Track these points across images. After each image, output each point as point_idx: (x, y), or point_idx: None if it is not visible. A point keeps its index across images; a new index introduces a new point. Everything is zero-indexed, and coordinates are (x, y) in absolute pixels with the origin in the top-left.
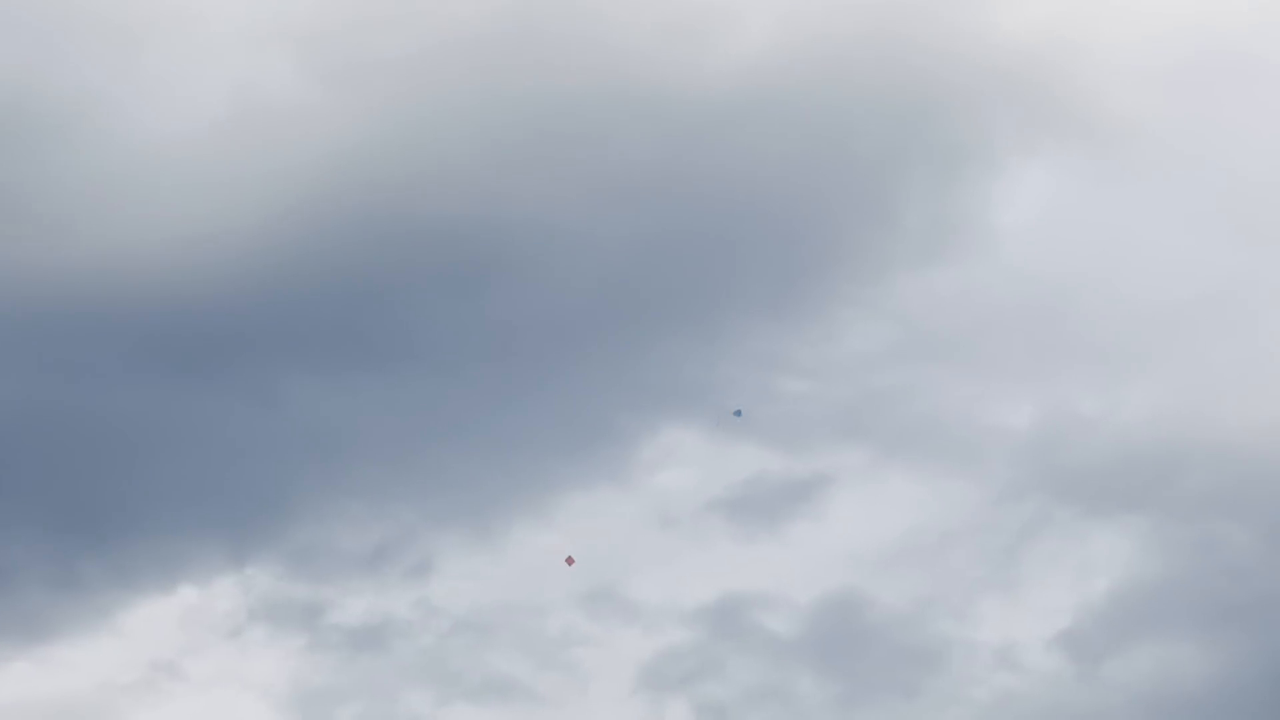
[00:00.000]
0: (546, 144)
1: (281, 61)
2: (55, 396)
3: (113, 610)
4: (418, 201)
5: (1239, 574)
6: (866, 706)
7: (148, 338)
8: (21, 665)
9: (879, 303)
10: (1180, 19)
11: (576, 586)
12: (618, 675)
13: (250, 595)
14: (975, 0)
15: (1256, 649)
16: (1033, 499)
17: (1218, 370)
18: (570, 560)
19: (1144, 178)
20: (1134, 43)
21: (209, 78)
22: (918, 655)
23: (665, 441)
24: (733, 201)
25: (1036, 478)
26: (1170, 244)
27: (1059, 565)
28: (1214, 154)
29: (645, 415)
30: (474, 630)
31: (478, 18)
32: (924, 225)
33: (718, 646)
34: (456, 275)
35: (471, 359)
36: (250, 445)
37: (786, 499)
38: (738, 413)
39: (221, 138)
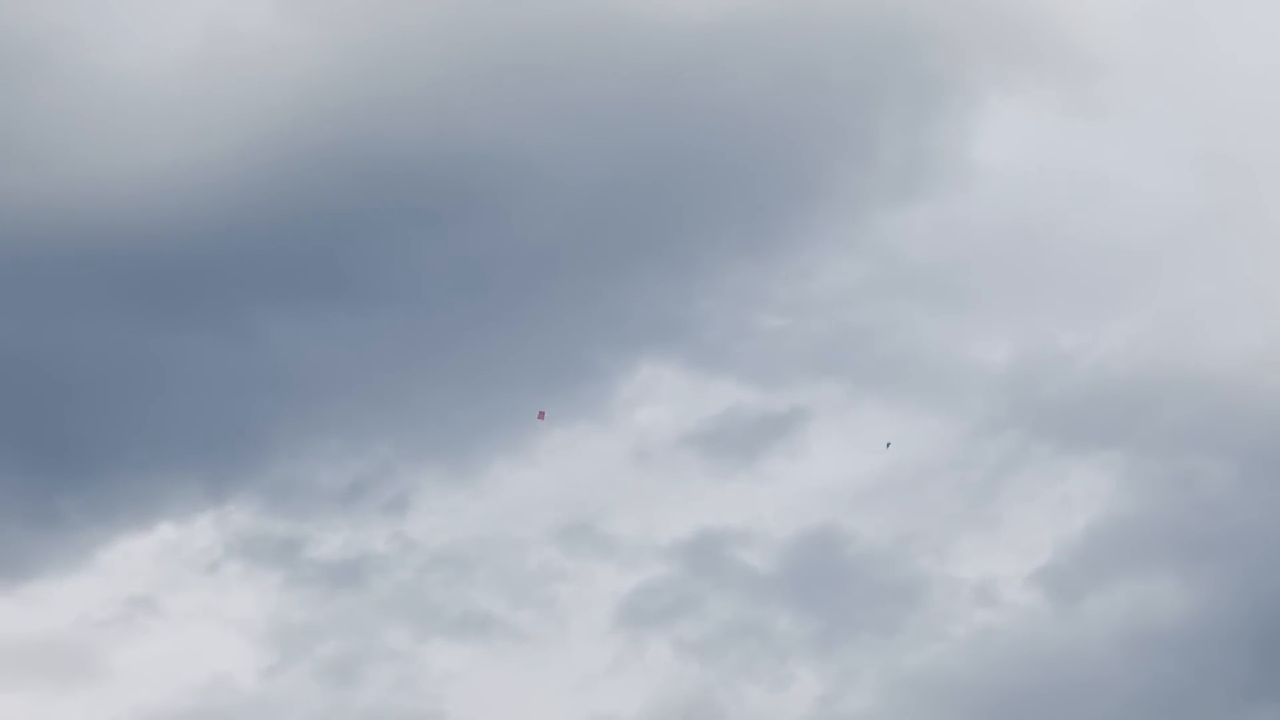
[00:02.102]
0: (520, 78)
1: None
2: (30, 334)
3: (91, 548)
4: (391, 136)
5: (1216, 508)
6: (845, 643)
7: (122, 275)
8: (1, 603)
9: (855, 238)
10: None
11: (555, 522)
12: (596, 611)
13: (227, 531)
14: None
15: (1234, 583)
16: (1010, 435)
17: (1194, 304)
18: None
19: (1121, 113)
20: None
21: (182, 12)
22: (896, 591)
23: (643, 378)
24: (708, 135)
25: (1014, 413)
26: (1146, 179)
27: (1037, 501)
28: (1190, 89)
29: (622, 351)
30: (452, 565)
31: None
32: (901, 160)
33: (696, 583)
34: (431, 209)
35: (447, 293)
36: (226, 382)
37: (764, 435)
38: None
39: (194, 73)
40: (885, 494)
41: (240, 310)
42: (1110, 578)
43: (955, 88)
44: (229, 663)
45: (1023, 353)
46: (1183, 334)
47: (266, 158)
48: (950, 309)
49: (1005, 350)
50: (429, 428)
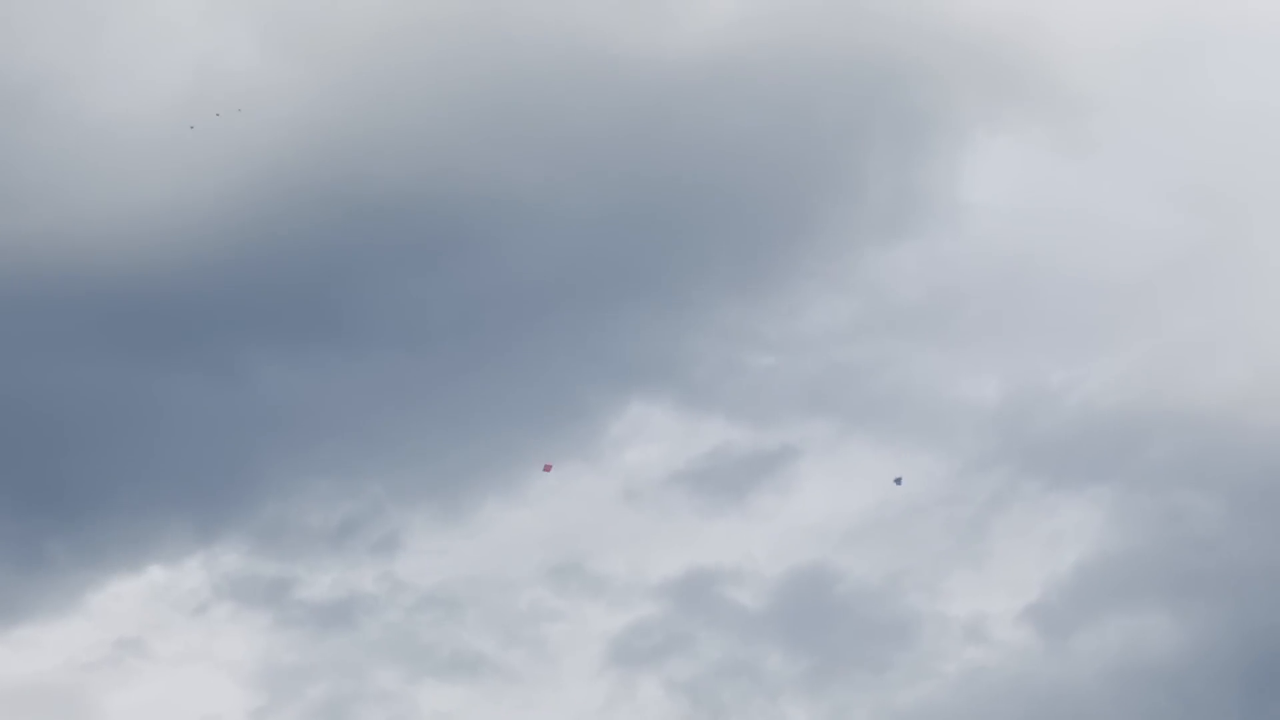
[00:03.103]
0: (511, 117)
1: (243, 37)
2: (19, 376)
3: (80, 590)
4: (381, 176)
5: (1206, 544)
6: (836, 681)
7: (112, 315)
8: None
9: (844, 276)
10: None
11: (545, 561)
12: (586, 651)
13: (216, 573)
14: None
15: (1224, 619)
16: (1000, 471)
17: (1183, 340)
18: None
19: (1108, 150)
20: (1097, 16)
21: (171, 54)
22: (886, 629)
23: (633, 417)
24: (697, 174)
25: (1004, 450)
26: (1134, 215)
27: (1027, 538)
28: (1178, 126)
29: (613, 391)
30: (442, 606)
31: None
32: (889, 198)
33: (687, 621)
34: (421, 249)
35: (437, 333)
36: (215, 423)
37: (754, 473)
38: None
39: (184, 114)
40: (875, 532)
41: (230, 351)
42: (1100, 614)
43: (943, 125)
44: (219, 705)
45: (1012, 389)
46: (1172, 370)
47: (256, 198)
48: (939, 346)
49: (994, 387)
50: (419, 468)
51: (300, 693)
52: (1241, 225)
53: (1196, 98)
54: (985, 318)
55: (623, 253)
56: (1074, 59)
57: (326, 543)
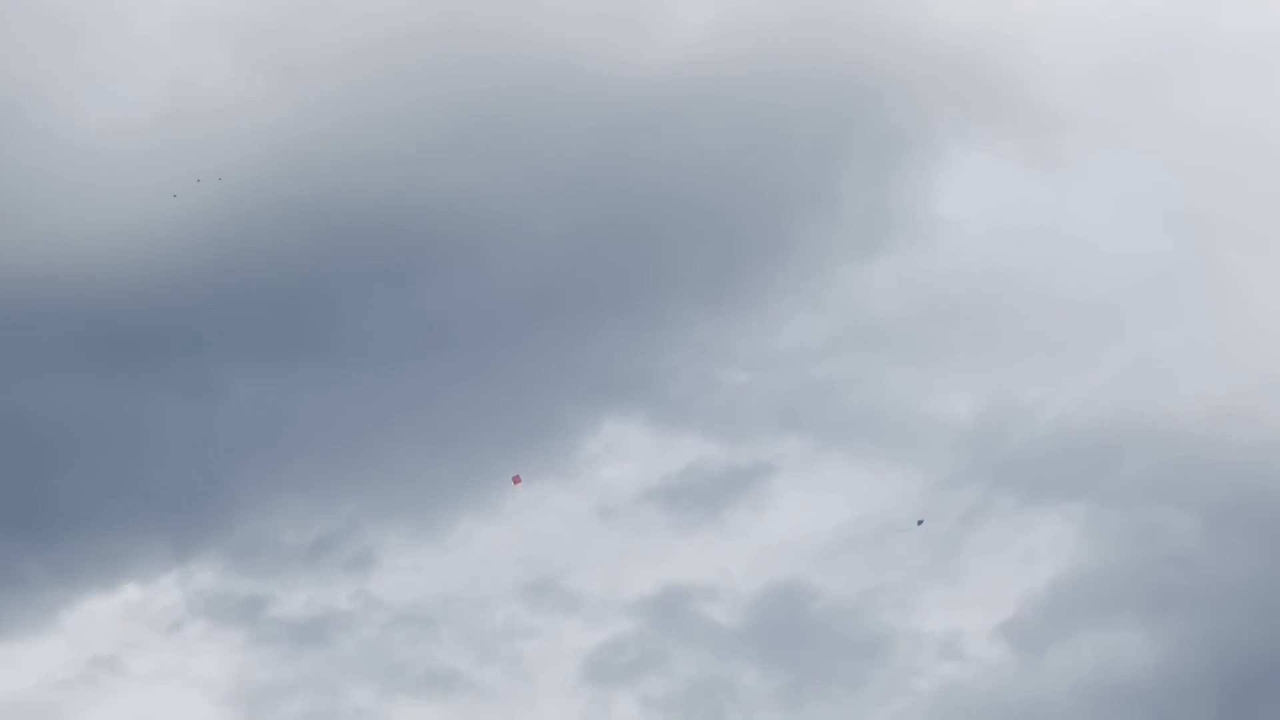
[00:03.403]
0: (484, 135)
1: (217, 55)
2: None
3: (55, 608)
4: (355, 193)
5: (1180, 560)
6: (811, 697)
7: (87, 332)
8: None
9: (818, 293)
10: (1115, 8)
11: (520, 578)
12: (562, 668)
13: (191, 590)
14: None
15: (1198, 634)
16: (974, 488)
17: (1156, 357)
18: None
19: (1080, 167)
20: (1070, 33)
21: (145, 72)
22: (861, 646)
23: (608, 434)
24: (671, 192)
25: (978, 467)
26: (1106, 233)
27: (1001, 554)
28: (1151, 143)
29: (587, 407)
30: (416, 623)
31: (414, 10)
32: (862, 215)
33: (662, 638)
34: (395, 266)
35: (411, 350)
36: (190, 440)
37: (729, 490)
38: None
39: (158, 131)
40: (850, 548)
41: (205, 368)
42: (1075, 630)
43: (916, 143)
44: None
45: (986, 406)
46: (1145, 386)
47: (231, 215)
48: (913, 363)
49: (968, 404)
50: (393, 485)
51: (275, 710)
52: (1214, 242)
53: (1168, 116)
54: (959, 334)
55: (597, 270)
56: (1047, 77)
57: (301, 560)
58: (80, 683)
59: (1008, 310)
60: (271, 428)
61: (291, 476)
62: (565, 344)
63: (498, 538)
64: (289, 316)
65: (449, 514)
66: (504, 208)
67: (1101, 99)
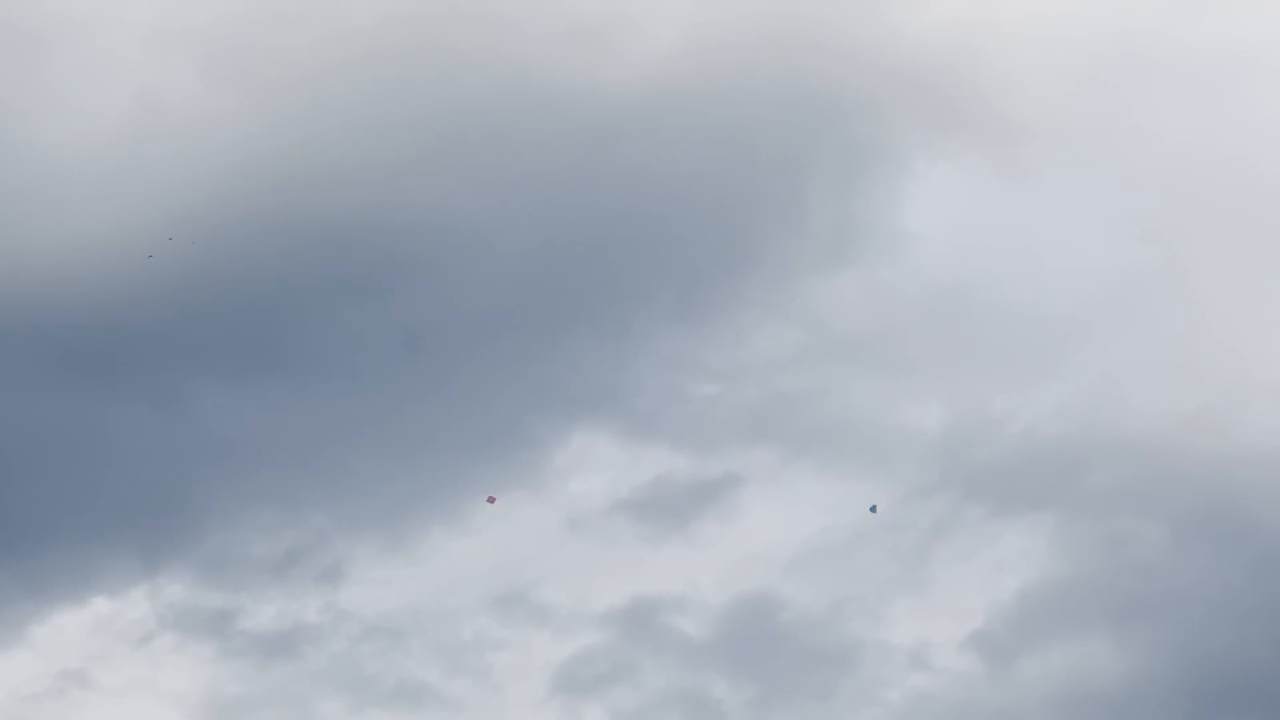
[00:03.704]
0: (452, 147)
1: (184, 68)
2: None
3: (24, 622)
4: (323, 205)
5: (1148, 570)
6: (781, 708)
7: (53, 346)
8: None
9: (787, 305)
10: (1081, 21)
11: (489, 591)
12: (531, 680)
13: (160, 603)
14: (878, 3)
15: (1167, 644)
16: (942, 499)
17: (1123, 368)
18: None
19: (1048, 179)
20: (1036, 46)
21: (111, 85)
22: (830, 657)
23: (576, 447)
24: (639, 204)
25: (946, 478)
26: (1074, 245)
27: (970, 565)
28: (1116, 155)
29: (556, 420)
30: (386, 635)
31: (381, 23)
32: (830, 227)
33: (631, 650)
34: (362, 278)
35: (379, 363)
36: (159, 454)
37: (697, 501)
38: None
39: (124, 143)
40: (819, 559)
41: (172, 381)
42: (1043, 640)
43: (883, 155)
44: None
45: (954, 417)
46: (1112, 398)
47: (198, 227)
48: (881, 374)
49: (937, 415)
50: (362, 497)
51: None
52: (1181, 254)
53: (1135, 128)
54: (927, 346)
55: (565, 282)
56: (1014, 90)
57: (270, 573)
58: (49, 696)
59: (975, 322)
60: (240, 440)
61: (260, 489)
62: (534, 356)
63: (467, 550)
64: (257, 329)
65: (418, 526)
66: (472, 220)
67: (1068, 112)
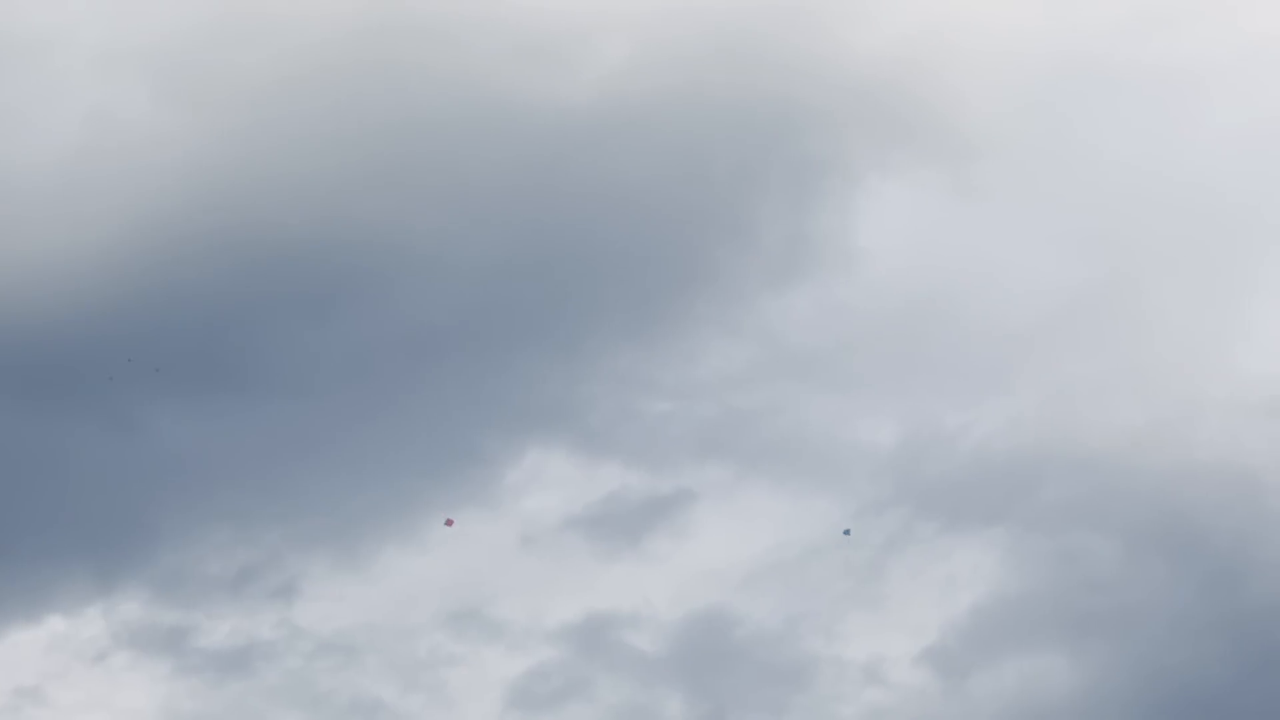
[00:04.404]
0: (403, 165)
1: (134, 87)
2: None
3: None
4: (275, 224)
5: (1100, 584)
6: None
7: (6, 365)
8: None
9: (740, 321)
10: (1032, 39)
11: (443, 607)
12: (485, 696)
13: (115, 621)
14: (830, 19)
15: (1120, 659)
16: (895, 514)
17: (1074, 383)
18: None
19: (999, 195)
20: (987, 62)
21: (62, 105)
22: (785, 672)
23: (530, 464)
24: (591, 221)
25: (899, 493)
26: (1025, 261)
27: (923, 580)
28: (1066, 171)
29: (509, 437)
30: (340, 652)
31: (332, 41)
32: (782, 244)
33: (586, 666)
34: (314, 296)
35: (332, 381)
36: (112, 472)
37: (651, 518)
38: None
39: (74, 162)
40: (772, 575)
41: (125, 400)
42: (997, 655)
43: (836, 171)
44: None
45: (906, 433)
46: (1063, 413)
47: (149, 245)
48: (834, 391)
49: (890, 431)
50: (316, 515)
51: None
52: (1130, 270)
53: (1085, 145)
54: (880, 362)
55: (518, 300)
56: (965, 106)
57: (225, 590)
58: (5, 714)
59: (928, 338)
60: (194, 459)
61: (215, 507)
62: (487, 374)
63: (421, 567)
64: (208, 347)
65: (372, 543)
66: (424, 238)
67: (1019, 129)
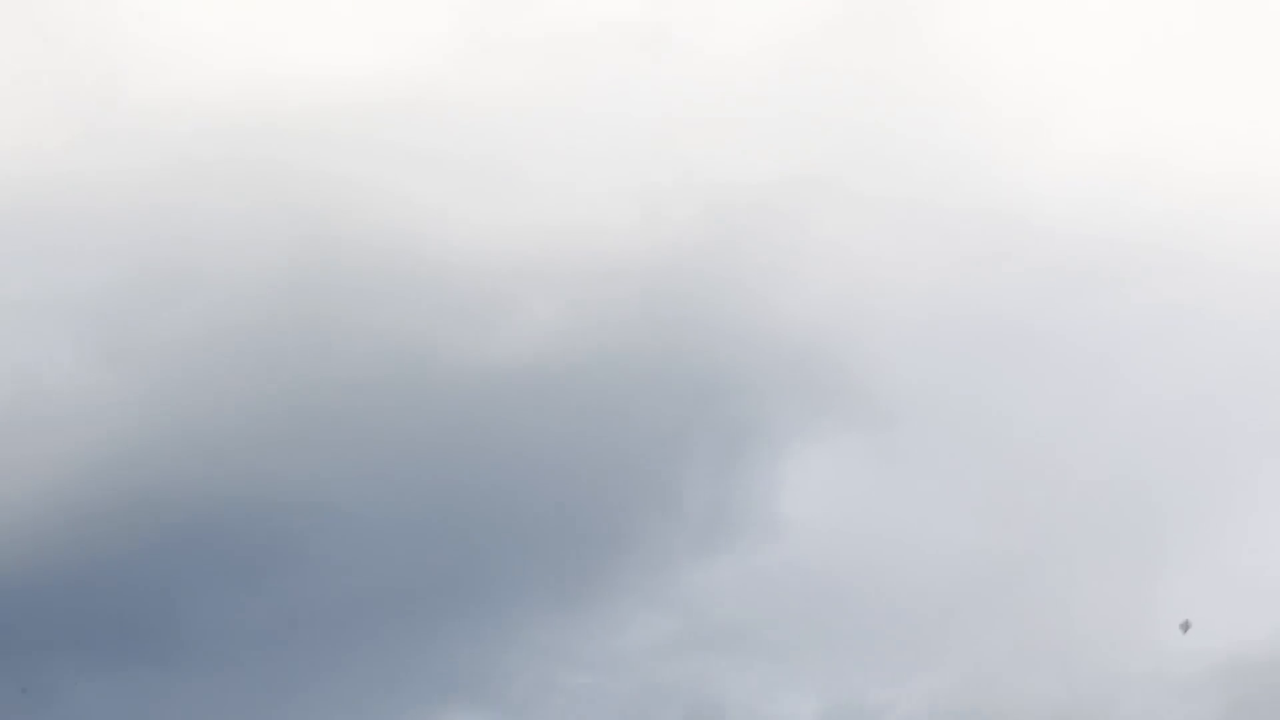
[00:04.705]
0: (327, 425)
1: (59, 344)
2: None
3: None
4: (197, 487)
5: None
6: None
7: None
8: None
9: (662, 591)
10: (951, 303)
11: None
12: None
13: None
14: (755, 283)
15: None
16: None
17: (996, 657)
18: None
19: (916, 462)
20: (905, 327)
21: None
22: None
23: None
24: (517, 485)
25: None
26: (944, 529)
27: None
28: (984, 438)
29: (429, 707)
30: None
31: (257, 298)
32: (705, 512)
33: None
34: (235, 562)
35: (251, 649)
36: None
37: None
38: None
39: None
40: None
41: (41, 666)
42: None
43: (761, 435)
44: None
45: (829, 707)
46: (987, 687)
47: (68, 505)
48: (758, 663)
49: (812, 706)
50: None
51: None
52: (1046, 540)
53: (1005, 411)
54: (803, 635)
55: (440, 565)
56: (882, 370)
57: None
58: None
59: (851, 610)
60: None
61: None
62: (408, 642)
63: None
64: (125, 614)
65: None
66: (347, 500)
67: (938, 396)
